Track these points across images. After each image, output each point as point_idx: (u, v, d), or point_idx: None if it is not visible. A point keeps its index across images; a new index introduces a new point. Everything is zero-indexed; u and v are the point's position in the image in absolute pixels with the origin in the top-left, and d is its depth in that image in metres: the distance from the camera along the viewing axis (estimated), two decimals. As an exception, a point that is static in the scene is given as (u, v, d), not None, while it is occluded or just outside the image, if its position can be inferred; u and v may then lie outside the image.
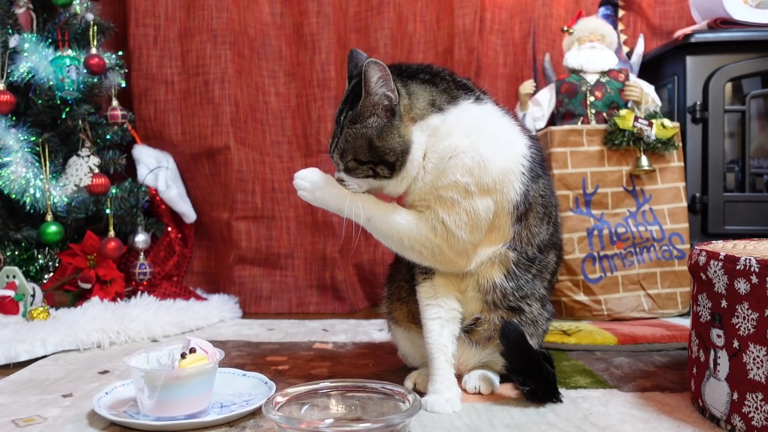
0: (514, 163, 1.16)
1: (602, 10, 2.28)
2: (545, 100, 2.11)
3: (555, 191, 1.35)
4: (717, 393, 1.07)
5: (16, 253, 2.01)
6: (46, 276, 2.02)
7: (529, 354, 1.16)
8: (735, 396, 1.02)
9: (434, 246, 1.16)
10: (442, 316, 1.22)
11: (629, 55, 2.22)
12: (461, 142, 1.12)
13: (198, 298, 2.15)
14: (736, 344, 1.02)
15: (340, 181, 1.18)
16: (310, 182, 1.18)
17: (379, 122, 1.12)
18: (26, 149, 1.96)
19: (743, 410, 1.01)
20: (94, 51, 2.08)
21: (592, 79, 2.05)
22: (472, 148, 1.12)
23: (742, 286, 1.01)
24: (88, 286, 1.96)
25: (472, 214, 1.13)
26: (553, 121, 2.14)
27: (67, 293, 1.98)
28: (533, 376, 1.17)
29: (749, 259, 1.00)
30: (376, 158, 1.13)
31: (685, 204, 1.99)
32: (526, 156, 1.18)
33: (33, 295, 1.84)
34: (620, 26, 2.30)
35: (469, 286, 1.24)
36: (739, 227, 2.05)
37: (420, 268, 1.25)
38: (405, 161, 1.13)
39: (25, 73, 1.97)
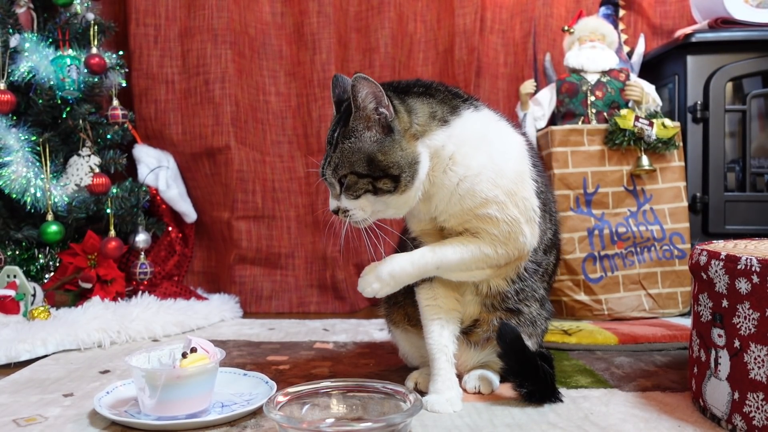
0: (522, 164, 1.18)
1: (603, 9, 2.27)
2: (546, 100, 2.11)
3: (551, 187, 1.36)
4: (718, 393, 1.07)
5: (17, 252, 2.01)
6: (46, 275, 2.02)
7: (525, 356, 1.16)
8: (736, 396, 1.02)
9: (500, 257, 1.16)
10: (442, 317, 1.22)
11: (630, 54, 2.21)
12: (479, 159, 1.12)
13: (199, 297, 2.15)
14: (737, 344, 1.02)
15: (338, 211, 1.13)
16: (376, 277, 1.15)
17: (376, 137, 1.08)
18: (27, 149, 1.96)
19: (744, 410, 1.01)
20: (94, 50, 2.08)
21: (592, 78, 2.05)
22: (490, 160, 1.12)
23: (743, 285, 1.01)
24: (88, 285, 1.96)
25: (510, 220, 1.13)
26: (553, 120, 2.14)
27: (68, 293, 1.98)
28: (530, 377, 1.17)
29: (750, 259, 1.00)
30: (377, 172, 1.07)
31: (685, 204, 1.99)
32: (525, 154, 1.20)
33: (34, 295, 1.84)
34: (621, 26, 2.30)
35: (468, 290, 1.24)
36: (740, 227, 2.05)
37: None
38: (414, 174, 1.09)
39: (26, 73, 1.97)
